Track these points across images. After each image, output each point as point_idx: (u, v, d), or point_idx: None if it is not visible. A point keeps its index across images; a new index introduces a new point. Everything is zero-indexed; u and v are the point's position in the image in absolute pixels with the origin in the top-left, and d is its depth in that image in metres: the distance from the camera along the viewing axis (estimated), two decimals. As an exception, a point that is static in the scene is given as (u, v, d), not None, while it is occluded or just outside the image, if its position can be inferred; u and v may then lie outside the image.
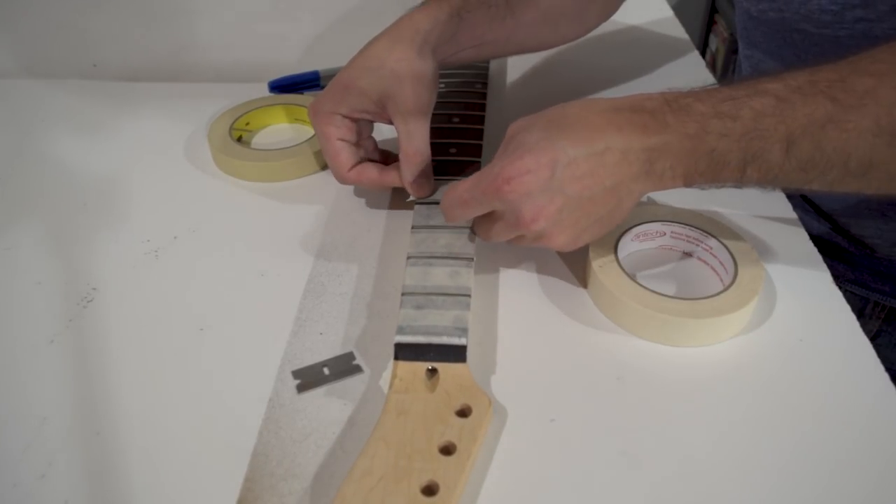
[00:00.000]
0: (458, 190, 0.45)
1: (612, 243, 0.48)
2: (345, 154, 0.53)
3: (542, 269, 0.51)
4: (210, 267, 0.52)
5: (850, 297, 0.52)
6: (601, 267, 0.47)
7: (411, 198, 0.53)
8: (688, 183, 0.43)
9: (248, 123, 0.65)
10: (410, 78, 0.50)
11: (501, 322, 0.47)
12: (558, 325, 0.47)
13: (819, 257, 0.51)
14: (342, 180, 0.54)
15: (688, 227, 0.50)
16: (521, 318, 0.47)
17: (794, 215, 0.55)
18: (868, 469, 0.39)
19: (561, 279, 0.50)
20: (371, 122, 0.55)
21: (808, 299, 0.48)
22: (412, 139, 0.51)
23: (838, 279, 0.49)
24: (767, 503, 0.37)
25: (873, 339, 0.46)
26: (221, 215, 0.56)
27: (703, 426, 0.41)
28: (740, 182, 0.42)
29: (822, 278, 0.49)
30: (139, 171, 0.61)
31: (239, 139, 0.63)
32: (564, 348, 0.45)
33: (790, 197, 0.57)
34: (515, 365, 0.44)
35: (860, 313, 0.62)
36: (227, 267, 0.52)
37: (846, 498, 0.38)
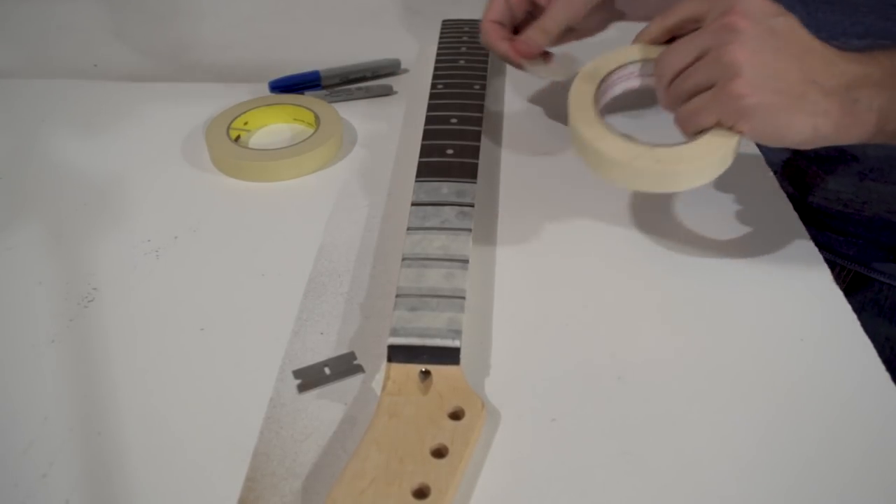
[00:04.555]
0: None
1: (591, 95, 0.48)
2: None
3: (538, 271, 0.51)
4: (211, 267, 0.52)
5: None
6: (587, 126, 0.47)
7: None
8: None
9: (246, 123, 0.65)
10: None
11: (496, 324, 0.47)
12: (556, 325, 0.47)
13: (820, 257, 0.51)
14: None
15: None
16: (517, 319, 0.47)
17: (794, 214, 0.55)
18: (868, 469, 0.39)
19: (559, 280, 0.50)
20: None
21: (808, 299, 0.48)
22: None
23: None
24: (768, 503, 0.37)
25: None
26: (223, 215, 0.56)
27: (704, 426, 0.41)
28: None
29: (822, 278, 0.49)
30: (140, 170, 0.61)
31: (237, 139, 0.63)
32: (563, 348, 0.45)
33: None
34: (511, 367, 0.44)
35: None
36: (227, 267, 0.52)
37: (846, 497, 0.38)
